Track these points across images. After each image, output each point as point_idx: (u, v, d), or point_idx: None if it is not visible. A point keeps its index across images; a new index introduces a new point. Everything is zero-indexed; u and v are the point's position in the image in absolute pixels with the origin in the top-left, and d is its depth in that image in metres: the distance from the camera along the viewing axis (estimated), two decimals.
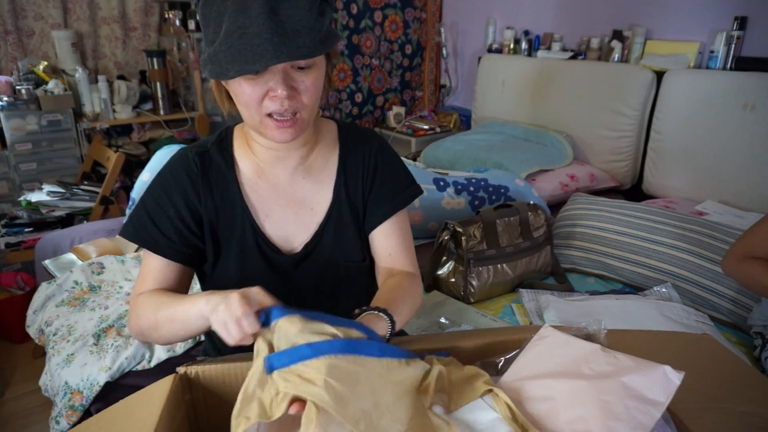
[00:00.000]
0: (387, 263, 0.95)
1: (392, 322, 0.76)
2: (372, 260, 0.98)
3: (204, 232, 0.90)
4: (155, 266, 0.87)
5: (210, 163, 0.90)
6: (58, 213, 2.50)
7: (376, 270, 0.97)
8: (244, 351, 0.80)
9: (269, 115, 0.78)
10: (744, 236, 1.29)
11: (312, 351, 0.58)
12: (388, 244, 0.95)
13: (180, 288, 0.90)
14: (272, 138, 0.81)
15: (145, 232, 0.87)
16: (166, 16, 3.10)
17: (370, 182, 0.95)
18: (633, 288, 1.73)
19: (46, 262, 1.93)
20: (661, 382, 0.58)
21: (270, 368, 0.58)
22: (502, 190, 2.08)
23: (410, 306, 0.87)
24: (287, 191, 0.92)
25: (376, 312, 0.76)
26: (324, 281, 0.95)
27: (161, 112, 3.07)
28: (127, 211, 2.25)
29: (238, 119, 0.88)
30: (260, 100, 0.77)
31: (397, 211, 0.95)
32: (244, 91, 0.77)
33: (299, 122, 0.80)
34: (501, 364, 0.71)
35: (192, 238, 0.89)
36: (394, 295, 0.85)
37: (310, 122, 0.84)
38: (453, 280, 1.67)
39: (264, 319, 0.63)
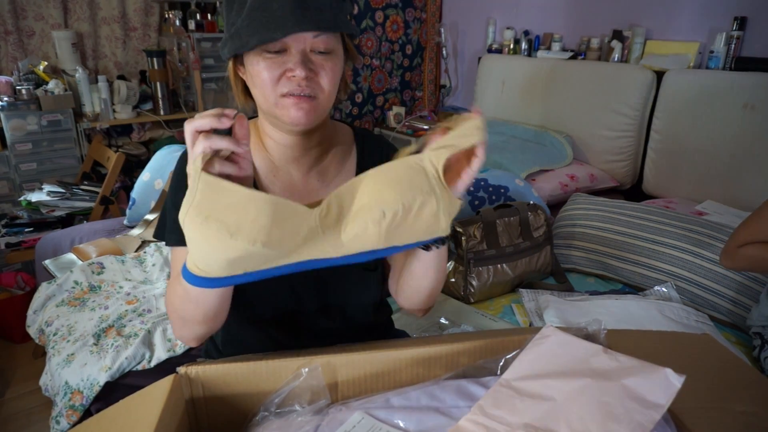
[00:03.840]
0: (402, 263, 0.93)
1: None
2: (382, 269, 0.96)
3: None
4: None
5: None
6: (58, 213, 2.50)
7: (391, 273, 0.95)
8: (246, 352, 0.80)
9: (285, 95, 0.76)
10: (743, 227, 1.25)
11: None
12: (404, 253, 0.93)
13: None
14: (288, 119, 0.77)
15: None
16: (166, 16, 3.10)
17: None
18: (633, 288, 1.73)
19: (46, 262, 1.93)
20: (663, 385, 0.58)
21: None
22: (502, 190, 2.08)
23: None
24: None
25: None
26: (335, 287, 0.92)
27: (161, 112, 3.06)
28: (128, 211, 2.25)
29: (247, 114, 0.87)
30: (276, 81, 0.75)
31: None
32: (261, 71, 0.75)
33: (316, 105, 0.77)
34: (501, 364, 0.71)
35: None
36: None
37: (326, 110, 0.81)
38: (453, 280, 1.67)
39: None
